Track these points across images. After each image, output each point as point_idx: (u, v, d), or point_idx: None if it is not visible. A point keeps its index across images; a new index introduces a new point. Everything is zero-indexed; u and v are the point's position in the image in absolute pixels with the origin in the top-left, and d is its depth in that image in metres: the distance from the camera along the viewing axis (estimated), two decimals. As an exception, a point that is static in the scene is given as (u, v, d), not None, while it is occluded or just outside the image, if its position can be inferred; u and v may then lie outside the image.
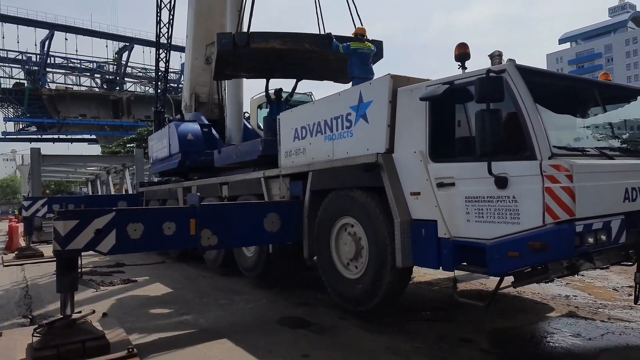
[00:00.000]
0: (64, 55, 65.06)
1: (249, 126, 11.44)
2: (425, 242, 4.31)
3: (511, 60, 3.74)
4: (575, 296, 6.25)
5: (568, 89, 4.44)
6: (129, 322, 5.43)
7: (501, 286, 3.90)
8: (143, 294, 7.13)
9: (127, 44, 67.74)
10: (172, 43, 13.37)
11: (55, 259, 4.54)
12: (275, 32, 7.75)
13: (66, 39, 63.42)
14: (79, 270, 4.69)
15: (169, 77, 14.29)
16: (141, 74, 72.60)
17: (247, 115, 12.19)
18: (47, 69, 63.57)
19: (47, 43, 61.28)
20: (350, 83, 6.92)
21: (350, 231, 5.27)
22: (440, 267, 4.22)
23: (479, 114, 3.51)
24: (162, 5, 12.33)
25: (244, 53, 7.67)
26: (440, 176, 4.21)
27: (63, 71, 66.36)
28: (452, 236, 4.09)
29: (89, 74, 68.82)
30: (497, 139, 3.43)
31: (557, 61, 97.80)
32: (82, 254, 4.61)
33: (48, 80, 63.71)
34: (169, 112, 14.89)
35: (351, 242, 5.16)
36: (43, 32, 61.04)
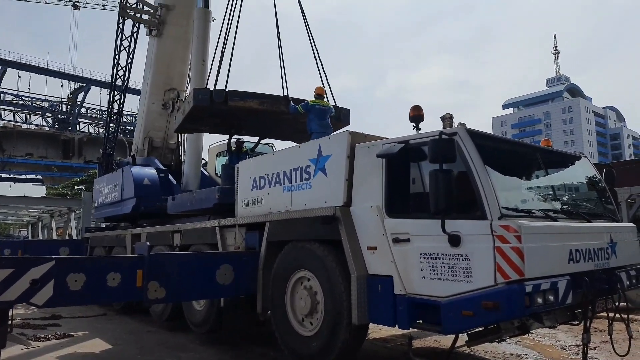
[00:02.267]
0: (15, 92, 62.89)
1: (206, 174, 11.29)
2: (381, 298, 4.28)
3: (462, 124, 3.96)
4: (526, 354, 6.32)
5: (514, 153, 4.72)
6: (60, 383, 4.95)
7: (455, 345, 3.88)
8: (79, 350, 6.56)
9: (84, 84, 66.49)
10: (130, 86, 13.25)
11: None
12: (253, 93, 7.92)
13: (19, 76, 61.57)
14: (9, 323, 4.30)
15: (127, 120, 14.12)
16: (96, 115, 70.97)
17: (204, 162, 12.07)
18: (-5, 105, 61.01)
19: (-2, 79, 59.20)
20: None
21: (306, 285, 5.16)
22: (396, 325, 4.18)
23: (432, 174, 3.64)
24: (122, 48, 12.31)
25: (216, 109, 7.68)
26: (396, 231, 4.26)
27: (13, 108, 63.82)
28: (408, 293, 4.09)
29: (40, 112, 66.54)
30: (449, 198, 3.54)
31: (501, 124, 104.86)
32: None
33: (-5, 116, 60.98)
34: (122, 154, 14.47)
35: (307, 296, 5.04)
36: (-6, 68, 59.10)
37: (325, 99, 7.72)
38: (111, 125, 12.75)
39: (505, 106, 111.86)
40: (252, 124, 8.82)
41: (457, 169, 3.76)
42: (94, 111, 70.46)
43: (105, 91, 67.01)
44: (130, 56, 12.23)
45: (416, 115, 4.29)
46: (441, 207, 3.56)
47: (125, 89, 12.40)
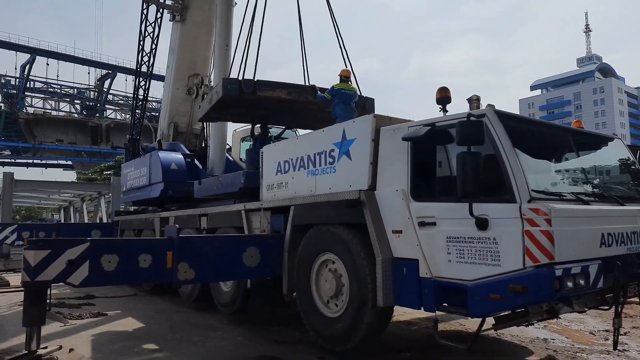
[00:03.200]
0: (44, 79, 64.50)
1: (231, 158, 11.41)
2: (406, 281, 4.29)
3: (490, 106, 3.88)
4: (553, 339, 6.26)
5: (544, 134, 4.60)
6: (98, 358, 5.17)
7: (482, 328, 3.88)
8: (113, 328, 6.83)
9: (110, 71, 67.65)
10: (154, 72, 13.42)
11: (22, 289, 4.35)
12: (281, 82, 7.87)
13: (47, 64, 63.03)
14: (48, 302, 4.50)
15: (152, 106, 14.31)
16: (122, 101, 72.30)
17: (228, 147, 12.19)
18: (26, 93, 62.73)
19: (27, 67, 60.72)
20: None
21: (331, 268, 5.22)
22: (422, 308, 4.19)
23: (460, 156, 3.59)
24: (146, 34, 12.44)
25: (244, 99, 7.67)
26: (421, 215, 4.25)
27: (42, 95, 65.56)
28: (434, 276, 4.09)
29: (68, 99, 68.17)
30: (478, 181, 3.50)
31: (529, 106, 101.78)
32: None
33: (26, 104, 62.76)
34: (148, 140, 14.73)
35: (332, 279, 5.10)
36: (24, 56, 60.65)
37: (350, 83, 7.65)
38: (137, 111, 12.96)
39: (533, 87, 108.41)
40: (278, 114, 8.79)
41: (486, 151, 3.69)
42: (120, 97, 71.75)
43: (131, 78, 67.89)
44: (155, 42, 12.36)
45: (443, 97, 4.22)
46: (469, 190, 3.53)
47: (150, 75, 12.57)
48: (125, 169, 12.14)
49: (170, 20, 12.65)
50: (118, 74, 67.35)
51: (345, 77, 7.60)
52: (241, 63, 9.37)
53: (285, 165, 6.19)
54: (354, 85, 8.04)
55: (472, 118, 3.60)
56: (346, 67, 8.86)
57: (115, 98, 71.79)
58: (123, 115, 71.53)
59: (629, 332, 6.37)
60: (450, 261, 3.94)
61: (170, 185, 9.70)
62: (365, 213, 4.64)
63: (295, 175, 5.98)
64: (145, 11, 12.23)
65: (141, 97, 12.71)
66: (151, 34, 12.33)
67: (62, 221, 25.00)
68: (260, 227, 6.50)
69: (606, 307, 4.61)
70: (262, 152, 6.77)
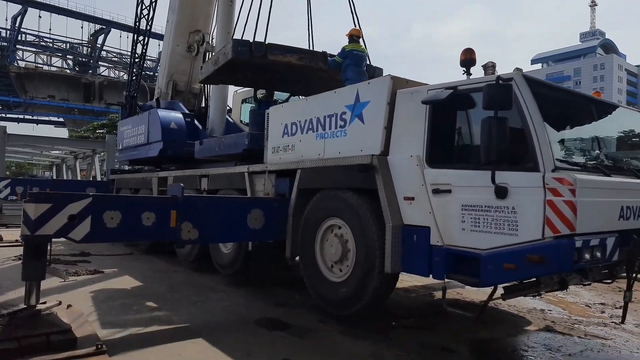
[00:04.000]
0: (36, 33, 62.52)
1: (231, 120, 11.18)
2: (416, 248, 4.22)
3: (518, 69, 3.71)
4: (550, 310, 6.31)
5: (569, 103, 4.45)
6: (97, 315, 5.13)
7: (492, 297, 3.84)
8: (111, 286, 6.79)
9: (104, 26, 65.68)
10: (152, 30, 12.90)
11: (17, 244, 4.23)
12: (293, 47, 7.50)
13: (40, 17, 60.97)
14: (48, 257, 4.39)
15: (147, 65, 13.83)
16: (116, 59, 70.54)
17: (228, 108, 11.91)
18: (18, 46, 60.90)
19: (19, 19, 58.71)
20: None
21: (337, 233, 5.14)
22: (430, 275, 4.14)
23: (485, 122, 3.45)
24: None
25: (253, 63, 7.31)
26: (436, 182, 4.13)
27: (34, 49, 63.69)
28: (445, 244, 4.02)
29: (61, 54, 66.34)
30: (503, 148, 3.37)
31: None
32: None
33: (17, 57, 61.05)
34: (142, 99, 14.36)
35: (337, 244, 5.03)
36: (15, 7, 58.50)
37: (361, 43, 7.38)
38: (135, 67, 12.54)
39: (533, 61, 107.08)
40: (286, 80, 8.45)
41: (511, 117, 3.54)
42: (114, 55, 70.01)
43: (125, 34, 66.29)
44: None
45: (468, 59, 4.02)
46: (492, 157, 3.40)
47: (150, 30, 12.10)
48: (122, 127, 11.86)
49: (170, -28, 12.10)
50: (112, 29, 65.49)
51: (355, 36, 7.31)
52: (246, 21, 9.01)
53: (293, 127, 6.01)
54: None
55: (500, 81, 3.43)
56: (355, 26, 8.55)
57: (109, 55, 70.07)
58: (117, 72, 70.07)
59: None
60: (464, 230, 3.85)
61: (169, 144, 9.50)
62: (377, 179, 4.52)
63: (302, 138, 5.82)
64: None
65: (139, 53, 12.25)
66: (150, -14, 11.77)
67: (55, 178, 24.71)
68: (264, 190, 6.37)
69: (609, 281, 4.62)
70: (268, 114, 6.57)
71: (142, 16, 11.98)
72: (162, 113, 9.88)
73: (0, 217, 14.56)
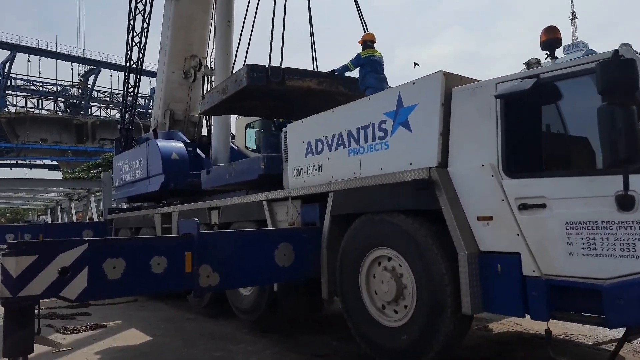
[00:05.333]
0: (25, 77, 62.23)
1: (235, 147, 10.40)
2: (503, 281, 3.34)
3: (626, 44, 2.93)
4: None
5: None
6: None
7: (623, 342, 2.94)
8: (116, 343, 5.80)
9: (94, 67, 65.54)
10: (143, 67, 12.19)
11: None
12: (311, 71, 6.74)
13: (29, 61, 60.66)
14: (37, 323, 3.47)
15: (139, 102, 13.11)
16: (108, 98, 70.25)
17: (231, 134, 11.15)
18: (7, 92, 60.49)
19: (8, 64, 58.50)
20: None
21: (387, 266, 4.25)
22: (527, 315, 3.25)
23: (604, 111, 2.64)
24: (137, 12, 11.26)
25: (269, 90, 6.50)
26: (522, 195, 3.29)
27: (24, 94, 63.30)
28: (545, 274, 3.15)
29: (51, 97, 65.99)
30: (633, 143, 2.54)
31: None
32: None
33: (8, 103, 60.54)
34: (136, 136, 13.61)
35: (390, 280, 4.13)
36: (4, 54, 58.35)
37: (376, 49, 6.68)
38: (128, 98, 11.80)
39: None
40: (300, 106, 7.39)
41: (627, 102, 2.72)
42: (106, 94, 69.75)
43: (116, 73, 66.18)
44: (147, 20, 11.20)
45: (551, 39, 3.26)
46: (623, 156, 2.58)
47: (143, 57, 11.42)
48: (118, 162, 11.01)
49: (162, -2, 11.53)
50: (102, 69, 65.37)
51: (370, 41, 6.66)
52: (249, 43, 8.26)
53: (318, 144, 5.19)
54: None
55: (622, 57, 2.64)
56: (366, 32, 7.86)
57: (101, 95, 69.79)
58: (109, 112, 69.76)
59: None
60: (572, 254, 2.99)
61: (171, 176, 8.68)
62: (440, 196, 3.67)
63: (331, 155, 4.99)
64: (135, -14, 11.07)
65: (132, 82, 11.54)
66: (142, 12, 11.16)
67: (48, 222, 23.71)
68: (288, 219, 5.50)
69: None
70: (286, 132, 5.77)
71: (133, 44, 11.31)
72: (162, 143, 9.08)
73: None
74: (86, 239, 3.55)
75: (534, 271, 3.19)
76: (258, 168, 6.01)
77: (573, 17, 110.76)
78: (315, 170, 5.22)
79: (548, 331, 3.28)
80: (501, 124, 3.44)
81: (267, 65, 6.42)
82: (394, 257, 4.17)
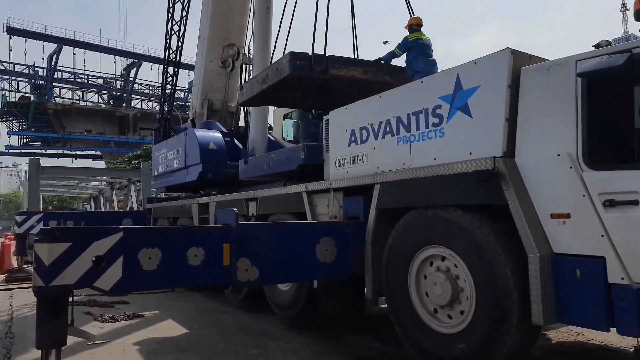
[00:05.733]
0: (71, 70, 64.51)
1: (272, 138, 10.18)
2: (582, 289, 2.91)
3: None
4: None
5: None
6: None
7: None
8: (152, 334, 5.70)
9: (135, 60, 67.28)
10: (181, 61, 12.10)
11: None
12: (357, 59, 6.33)
13: (74, 54, 62.88)
14: (70, 313, 3.32)
15: (177, 95, 13.11)
16: (149, 91, 72.05)
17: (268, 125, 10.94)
18: (54, 84, 63.00)
19: (54, 57, 60.74)
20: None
21: (440, 266, 3.87)
22: (612, 329, 2.81)
23: None
24: (176, 0, 11.17)
25: (312, 79, 6.16)
26: (609, 190, 2.84)
27: (70, 86, 65.75)
28: (636, 282, 2.70)
29: (96, 89, 68.28)
30: None
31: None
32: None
33: (54, 94, 63.07)
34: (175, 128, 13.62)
35: (444, 281, 3.75)
36: (51, 46, 60.51)
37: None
38: (167, 87, 11.78)
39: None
40: (342, 97, 7.01)
41: None
42: (146, 87, 71.54)
43: (156, 66, 67.61)
44: (185, 8, 11.11)
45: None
46: None
47: (182, 46, 11.35)
48: (157, 151, 11.01)
49: (201, -15, 11.41)
50: (143, 62, 67.00)
51: (416, 25, 6.26)
52: (289, 31, 7.92)
53: (363, 133, 4.84)
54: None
55: None
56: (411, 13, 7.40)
57: (142, 88, 71.64)
58: (149, 104, 71.57)
59: None
60: (673, 260, 2.53)
61: (209, 166, 8.53)
62: (506, 190, 3.25)
63: (378, 144, 4.63)
64: (174, -26, 10.99)
65: (171, 72, 11.50)
66: (181, 0, 11.07)
67: (90, 210, 24.45)
68: (329, 212, 5.19)
69: None
70: (327, 120, 5.45)
71: (172, 32, 11.25)
72: (200, 133, 8.95)
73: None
74: (121, 227, 3.36)
75: (622, 278, 2.74)
76: (298, 158, 5.72)
77: (624, 8, 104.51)
78: (360, 160, 4.87)
79: (638, 347, 2.83)
80: (582, 108, 2.98)
81: (310, 53, 6.08)
82: (448, 257, 3.79)
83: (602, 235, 2.84)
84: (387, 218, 4.42)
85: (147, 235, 3.53)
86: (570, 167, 3.01)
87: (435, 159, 3.96)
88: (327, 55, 6.11)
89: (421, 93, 4.17)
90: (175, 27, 11.19)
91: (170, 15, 11.21)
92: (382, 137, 4.58)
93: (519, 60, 3.46)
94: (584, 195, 2.94)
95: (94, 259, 3.20)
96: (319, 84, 6.31)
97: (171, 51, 11.31)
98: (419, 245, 4.01)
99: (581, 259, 2.94)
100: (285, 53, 5.99)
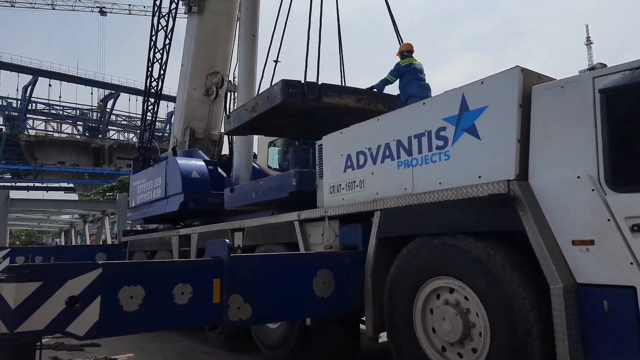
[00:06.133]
0: (46, 101, 63.45)
1: (257, 166, 9.91)
2: (611, 322, 2.67)
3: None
4: None
5: None
6: None
7: None
8: (127, 382, 5.17)
9: (113, 91, 66.68)
10: (163, 85, 11.85)
11: None
12: (350, 87, 6.21)
13: (50, 85, 62.01)
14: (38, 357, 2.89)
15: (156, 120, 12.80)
16: (126, 122, 71.19)
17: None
18: (28, 115, 61.63)
19: (29, 88, 59.73)
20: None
21: (449, 299, 3.59)
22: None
23: None
24: (159, 28, 10.99)
25: (303, 107, 5.96)
26: (637, 214, 2.65)
27: (44, 117, 64.44)
28: (673, 314, 2.47)
29: (71, 120, 67.07)
30: None
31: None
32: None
33: (28, 126, 61.61)
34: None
35: (454, 316, 3.46)
36: (26, 78, 59.66)
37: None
38: (148, 115, 11.45)
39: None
40: (333, 126, 6.78)
41: None
42: (123, 118, 70.76)
43: (134, 97, 67.14)
44: (169, 36, 10.93)
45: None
46: None
47: (164, 74, 11.12)
48: (135, 181, 10.56)
49: (185, 13, 11.30)
50: (122, 94, 66.44)
51: (407, 52, 6.19)
52: (277, 57, 7.76)
53: (360, 157, 4.62)
54: None
55: None
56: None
57: (119, 119, 70.80)
58: (126, 135, 70.66)
59: None
60: None
61: (191, 196, 8.16)
62: (523, 215, 3.04)
63: (376, 169, 4.41)
64: (158, 2, 10.85)
65: (152, 100, 11.21)
66: (164, 28, 10.91)
67: (60, 244, 23.38)
68: (324, 242, 4.89)
69: None
70: (321, 145, 5.22)
71: (155, 60, 11.03)
72: (182, 161, 8.61)
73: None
74: (100, 262, 2.98)
75: (658, 310, 2.52)
76: (289, 185, 5.44)
77: (589, 42, 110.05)
78: (357, 186, 4.63)
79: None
80: (602, 126, 2.83)
81: (302, 81, 5.89)
82: (458, 289, 3.51)
83: (632, 263, 2.63)
84: (389, 247, 4.14)
85: (129, 271, 3.15)
86: (592, 190, 2.83)
87: (440, 183, 3.75)
88: (319, 83, 5.95)
89: (423, 115, 4.00)
90: (158, 55, 10.97)
91: (152, 42, 11.01)
92: (381, 162, 4.36)
93: (529, 79, 3.32)
94: (608, 220, 2.74)
95: (68, 299, 2.81)
96: (309, 112, 6.11)
97: (153, 79, 11.05)
98: (425, 276, 3.73)
99: (609, 290, 2.71)
100: (277, 81, 5.79)
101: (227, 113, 9.69)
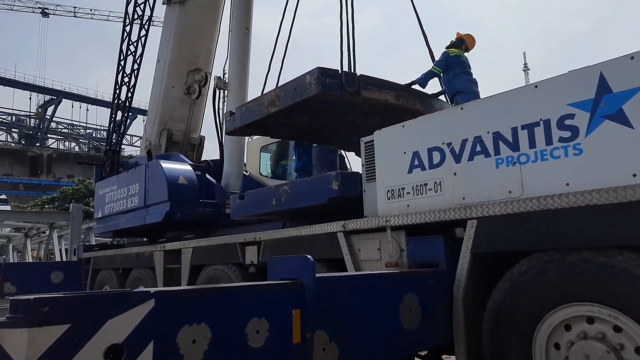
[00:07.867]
0: (-22, 105, 58.28)
1: (246, 173, 8.89)
2: None
3: None
4: None
5: None
6: None
7: None
8: None
9: (55, 97, 62.31)
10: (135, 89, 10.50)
11: None
12: (390, 82, 5.24)
13: (-17, 88, 57.10)
14: None
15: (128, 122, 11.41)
16: (67, 130, 66.66)
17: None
18: (-45, 120, 56.25)
19: (-41, 91, 54.69)
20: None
21: (587, 332, 2.79)
22: None
23: None
24: (134, 17, 9.78)
25: (340, 101, 4.97)
26: None
27: (-26, 123, 59.06)
28: None
29: (5, 127, 61.82)
30: None
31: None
32: None
33: (-45, 132, 56.16)
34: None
35: (604, 354, 2.67)
36: (-47, 80, 54.56)
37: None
38: (118, 113, 10.08)
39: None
40: (356, 128, 5.56)
41: None
42: (65, 126, 66.30)
43: (78, 104, 63.23)
44: (145, 26, 9.73)
45: None
46: None
47: (138, 67, 9.85)
48: (102, 189, 9.12)
49: (163, 3, 10.16)
50: (64, 100, 62.29)
51: (462, 43, 5.51)
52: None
53: (433, 155, 3.79)
54: None
55: None
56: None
57: (60, 126, 66.23)
58: (67, 144, 66.21)
59: None
60: None
61: (178, 205, 6.99)
62: None
63: (461, 168, 3.58)
64: (133, -12, 9.65)
65: (123, 97, 9.88)
66: (140, 17, 9.70)
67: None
68: (381, 258, 3.98)
69: None
70: (371, 141, 4.34)
71: (128, 53, 9.76)
72: (167, 165, 7.41)
73: None
74: (151, 290, 1.91)
75: None
76: (329, 189, 4.49)
77: (526, 68, 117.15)
78: (430, 189, 3.78)
79: None
80: None
81: (340, 71, 4.95)
82: (602, 318, 2.73)
83: None
84: (489, 265, 3.31)
85: (189, 302, 2.08)
86: None
87: (568, 184, 2.98)
88: (358, 74, 5.06)
89: (536, 100, 3.24)
90: (132, 48, 9.71)
91: (125, 33, 9.74)
92: (468, 159, 3.55)
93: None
94: None
95: (107, 349, 1.73)
96: (347, 108, 5.18)
97: (125, 74, 9.75)
98: (553, 303, 2.92)
99: None
100: (312, 69, 4.80)
101: (218, 112, 8.60)
